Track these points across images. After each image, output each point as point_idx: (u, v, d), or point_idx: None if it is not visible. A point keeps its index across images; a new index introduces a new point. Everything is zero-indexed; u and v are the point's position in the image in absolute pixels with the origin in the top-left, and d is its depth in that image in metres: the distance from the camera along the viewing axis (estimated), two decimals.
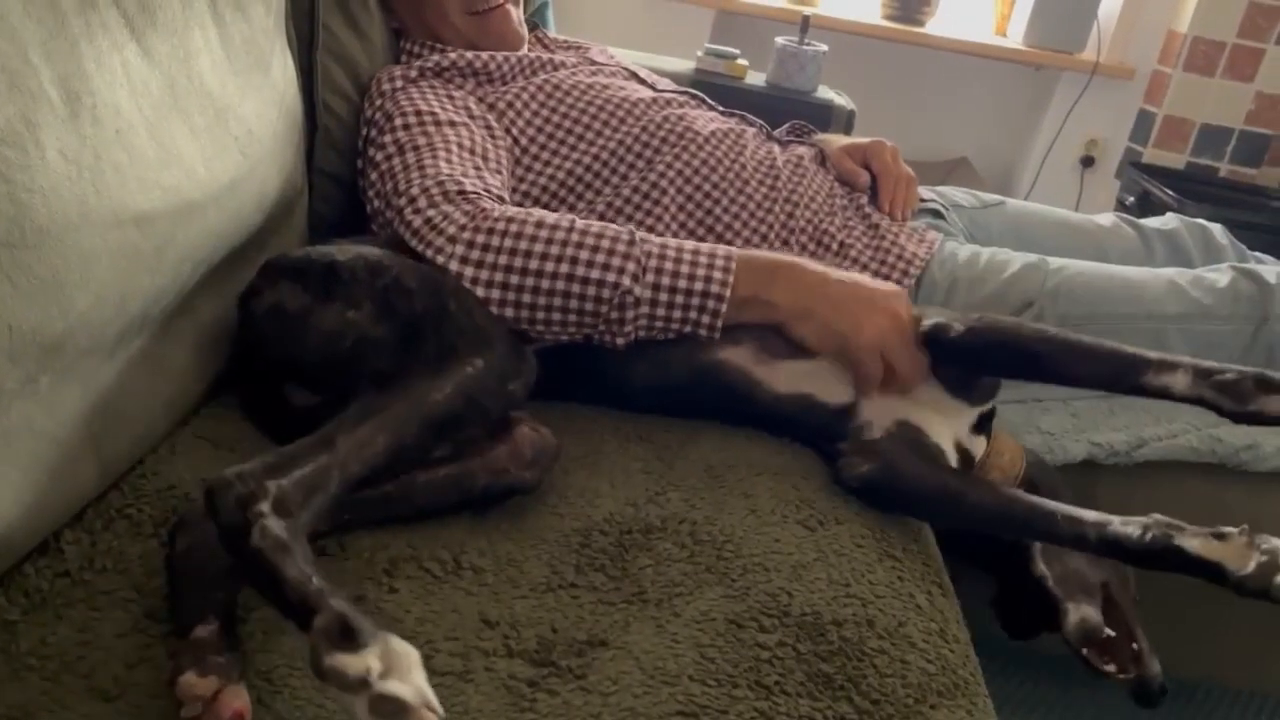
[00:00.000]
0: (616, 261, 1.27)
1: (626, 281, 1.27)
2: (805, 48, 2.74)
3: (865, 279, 1.35)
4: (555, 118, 1.62)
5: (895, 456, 1.26)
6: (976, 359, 1.29)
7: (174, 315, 1.14)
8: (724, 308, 1.29)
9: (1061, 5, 3.77)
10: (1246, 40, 3.72)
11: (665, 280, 1.29)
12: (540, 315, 1.28)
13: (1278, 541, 1.03)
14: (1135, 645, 1.29)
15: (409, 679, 0.72)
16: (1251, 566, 1.02)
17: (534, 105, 1.62)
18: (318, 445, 0.92)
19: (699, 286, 1.29)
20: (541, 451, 1.13)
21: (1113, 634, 1.28)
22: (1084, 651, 1.27)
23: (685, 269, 1.29)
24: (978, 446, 1.36)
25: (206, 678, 0.76)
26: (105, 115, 0.93)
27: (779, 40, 2.77)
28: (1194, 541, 1.05)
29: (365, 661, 0.72)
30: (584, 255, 1.27)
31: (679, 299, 1.29)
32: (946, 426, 1.33)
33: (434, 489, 1.06)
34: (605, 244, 1.28)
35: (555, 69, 1.72)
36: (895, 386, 1.30)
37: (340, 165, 1.57)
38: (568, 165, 1.60)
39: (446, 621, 0.93)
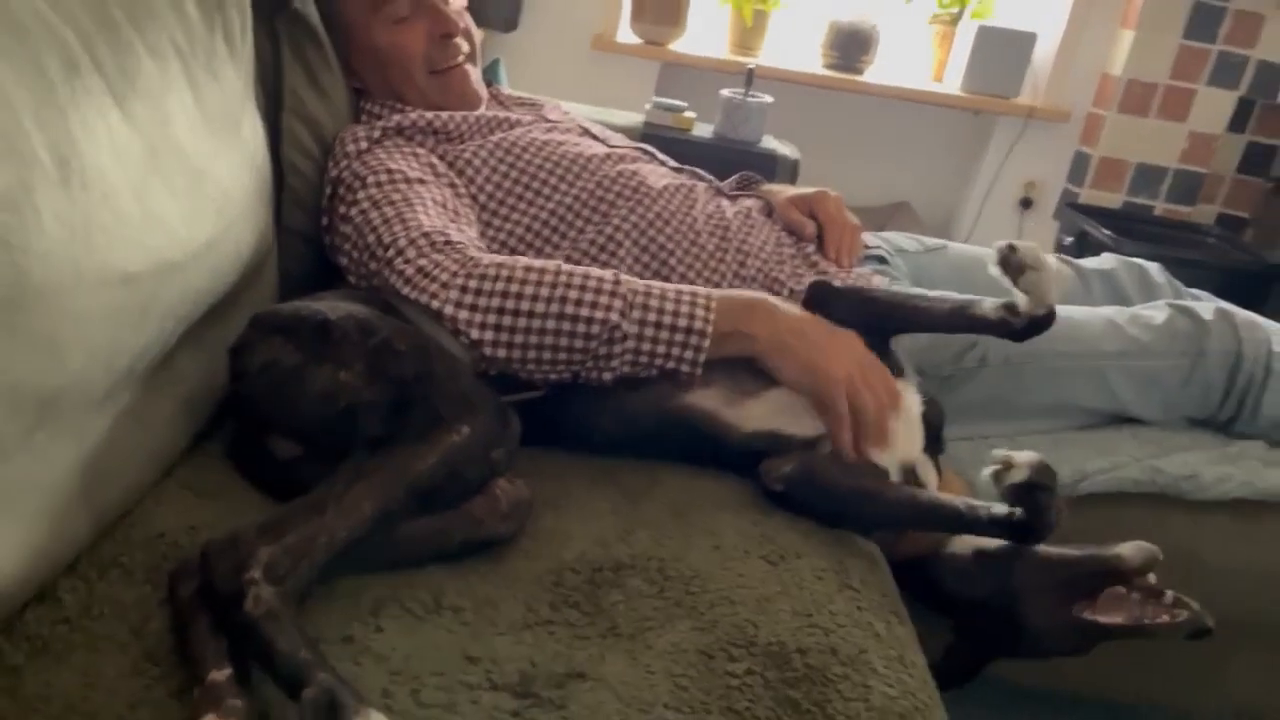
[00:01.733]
0: (604, 300, 1.32)
1: (614, 318, 1.32)
2: (750, 99, 2.81)
3: (825, 322, 1.41)
4: (513, 174, 1.66)
5: (814, 459, 1.33)
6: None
7: (157, 370, 1.17)
8: (707, 343, 1.34)
9: (997, 51, 3.85)
10: (1179, 81, 3.82)
11: (651, 317, 1.33)
12: (532, 354, 1.33)
13: None
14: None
15: None
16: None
17: (492, 162, 1.66)
18: (309, 510, 0.97)
19: (683, 323, 1.34)
20: (517, 504, 1.16)
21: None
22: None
23: (670, 306, 1.34)
24: (929, 475, 1.42)
25: (226, 719, 0.80)
26: (92, 179, 0.97)
27: (724, 92, 2.83)
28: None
29: None
30: (572, 295, 1.32)
31: (664, 334, 1.33)
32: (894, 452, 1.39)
33: (413, 541, 1.09)
34: (592, 283, 1.33)
35: (511, 127, 1.77)
36: (866, 429, 1.35)
37: (306, 223, 1.61)
38: (525, 220, 1.64)
39: (431, 658, 0.97)
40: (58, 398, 0.94)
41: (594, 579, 1.12)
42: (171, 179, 1.13)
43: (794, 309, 1.41)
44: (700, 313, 1.35)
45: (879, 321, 1.44)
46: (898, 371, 1.44)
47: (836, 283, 1.51)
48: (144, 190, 1.06)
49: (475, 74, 1.84)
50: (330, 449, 1.08)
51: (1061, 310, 1.74)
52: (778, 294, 1.67)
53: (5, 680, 0.87)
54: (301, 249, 1.61)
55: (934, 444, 1.45)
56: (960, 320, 1.41)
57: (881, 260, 1.92)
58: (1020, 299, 1.33)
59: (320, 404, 1.13)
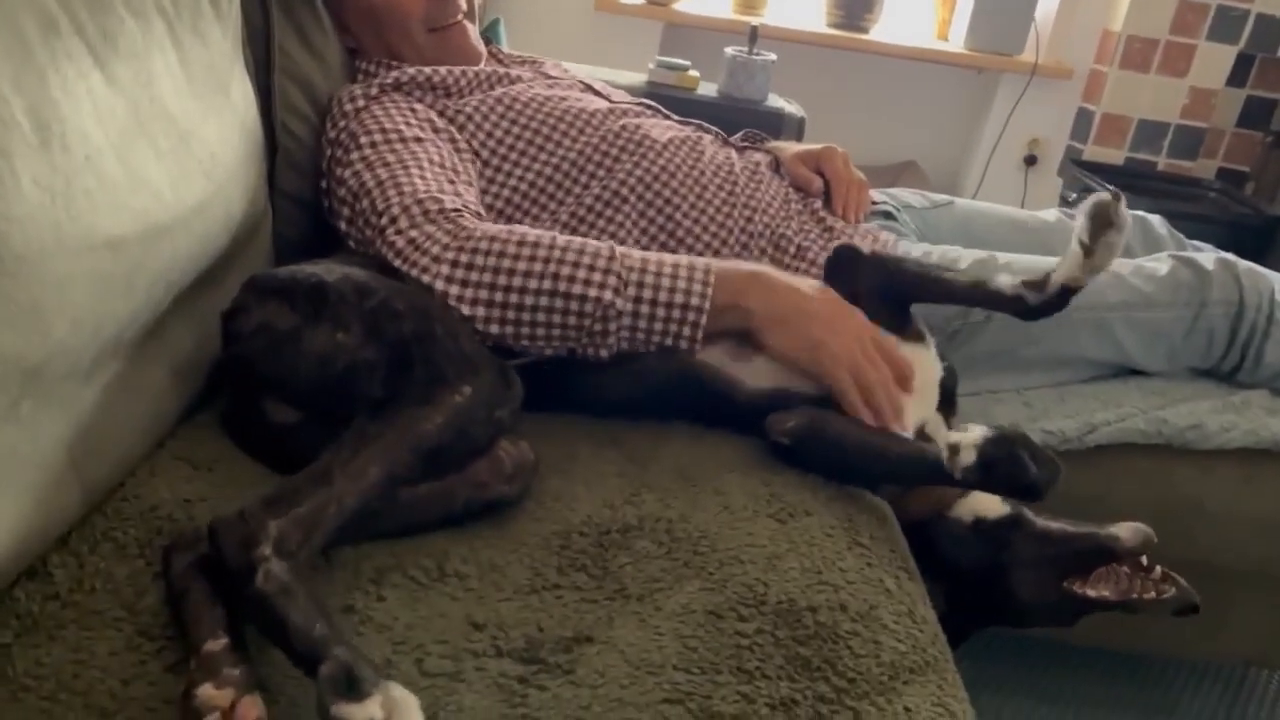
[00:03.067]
0: (598, 277, 1.30)
1: (608, 296, 1.29)
2: (755, 57, 2.78)
3: (831, 296, 1.38)
4: (515, 129, 1.63)
5: (820, 413, 1.31)
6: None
7: (147, 339, 1.14)
8: (704, 319, 1.32)
9: (999, 9, 3.82)
10: (1179, 37, 3.79)
11: (646, 294, 1.31)
12: (525, 330, 1.31)
13: None
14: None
15: None
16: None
17: (493, 118, 1.64)
18: (316, 479, 0.94)
19: (679, 299, 1.31)
20: (521, 466, 1.14)
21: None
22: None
23: (666, 282, 1.32)
24: (939, 433, 1.39)
25: (223, 689, 0.78)
26: (74, 142, 0.95)
27: (729, 51, 2.80)
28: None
29: (369, 711, 0.75)
30: (565, 271, 1.29)
31: (660, 311, 1.31)
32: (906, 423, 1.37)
33: (417, 505, 1.07)
34: (586, 259, 1.30)
35: (512, 82, 1.74)
36: (878, 407, 1.33)
37: (301, 186, 1.58)
38: (529, 177, 1.61)
39: (435, 626, 0.95)
40: (42, 367, 0.92)
41: (601, 541, 1.10)
42: (157, 141, 1.11)
43: (796, 282, 1.38)
44: (697, 287, 1.32)
45: (901, 289, 1.43)
46: (918, 337, 1.42)
47: (863, 248, 1.48)
48: (128, 153, 1.04)
49: (473, 31, 1.82)
50: (328, 412, 1.06)
51: None
52: (785, 250, 1.65)
53: None
54: (296, 213, 1.58)
55: (947, 405, 1.44)
56: (978, 295, 1.39)
57: (889, 216, 1.91)
58: (1063, 266, 1.30)
59: (317, 366, 1.11)
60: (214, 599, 0.88)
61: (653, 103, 1.92)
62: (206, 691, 0.78)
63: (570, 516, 1.14)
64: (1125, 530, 1.30)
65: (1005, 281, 1.35)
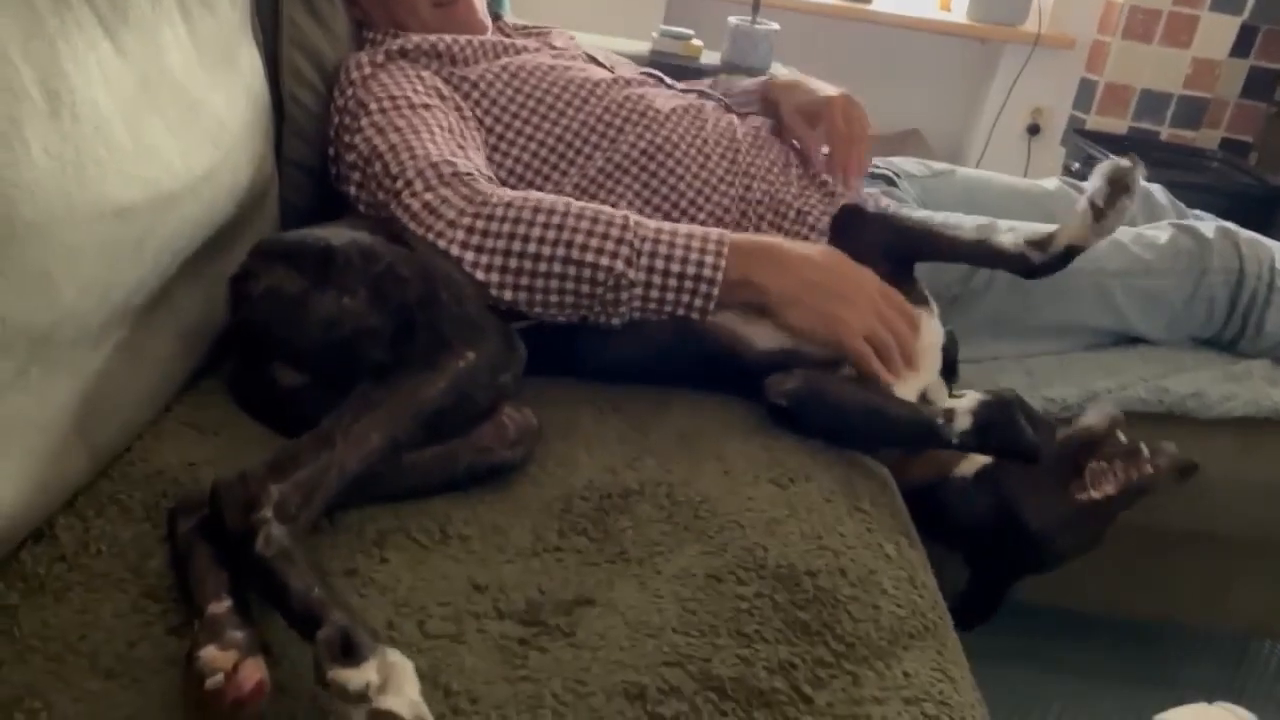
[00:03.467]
0: (610, 246, 1.30)
1: (620, 265, 1.30)
2: (758, 26, 2.78)
3: (842, 261, 1.38)
4: (519, 98, 1.63)
5: (819, 375, 1.32)
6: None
7: (154, 305, 1.15)
8: (716, 291, 1.32)
9: None
10: (1182, 8, 3.78)
11: (659, 264, 1.31)
12: (539, 298, 1.31)
13: None
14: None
15: (404, 693, 0.76)
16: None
17: (498, 85, 1.63)
18: (318, 443, 0.95)
19: (691, 270, 1.32)
20: (524, 431, 1.15)
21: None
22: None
23: (679, 253, 1.32)
24: (940, 396, 1.40)
25: (227, 651, 0.79)
26: (84, 111, 0.95)
27: (732, 20, 2.80)
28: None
29: (365, 676, 0.76)
30: (579, 239, 1.30)
31: (672, 282, 1.31)
32: (913, 382, 1.38)
33: (421, 469, 1.08)
34: (600, 228, 1.31)
35: (517, 53, 1.74)
36: (892, 363, 1.34)
37: (308, 154, 1.58)
38: (532, 146, 1.61)
39: (437, 588, 0.96)
40: (51, 333, 0.93)
41: (602, 505, 1.11)
42: (166, 110, 1.11)
43: (806, 250, 1.38)
44: (709, 259, 1.32)
45: (906, 248, 1.43)
46: (921, 301, 1.43)
47: (868, 207, 1.48)
48: (137, 122, 1.05)
49: (480, 5, 1.81)
50: (334, 376, 1.07)
51: None
52: (784, 215, 1.65)
53: (1, 620, 0.86)
54: (303, 181, 1.59)
55: (949, 371, 1.44)
56: (982, 252, 1.40)
57: (890, 182, 1.91)
58: (1070, 227, 1.31)
59: (323, 330, 1.12)
60: (218, 562, 0.89)
61: (656, 73, 1.91)
62: (210, 653, 0.78)
63: (572, 481, 1.15)
64: (1093, 418, 1.31)
65: (1009, 240, 1.36)
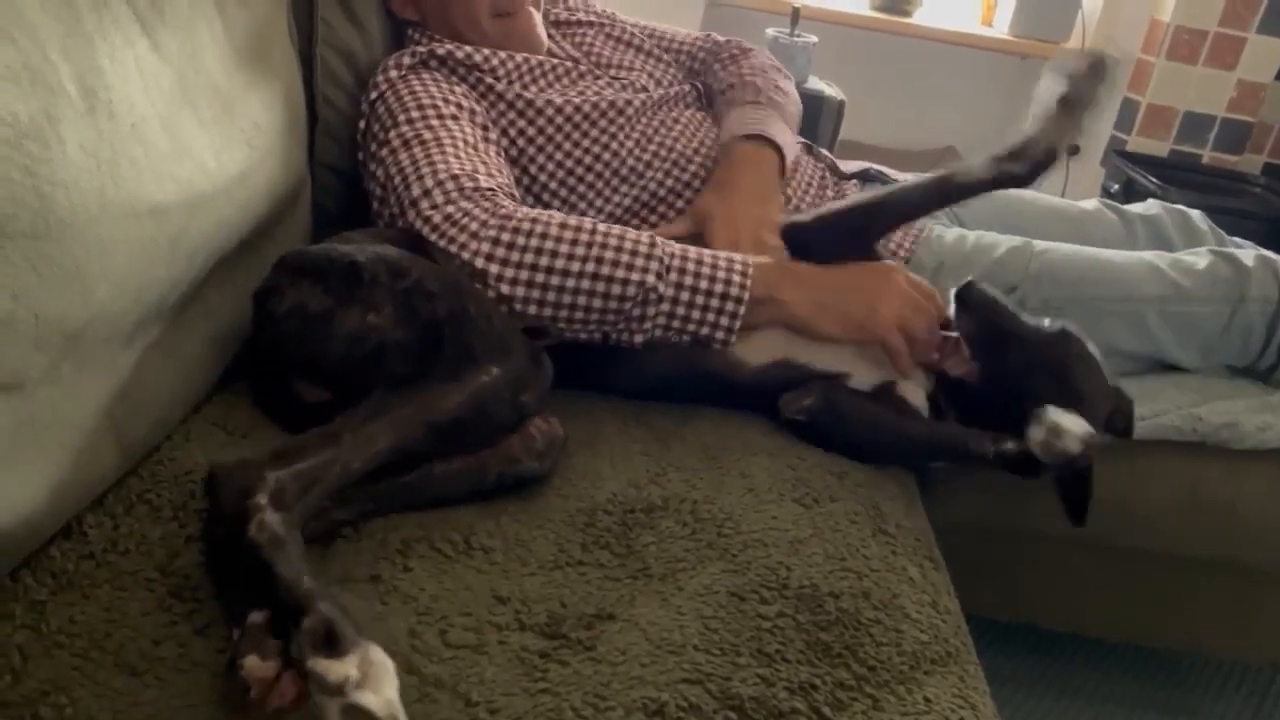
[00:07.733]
0: (640, 261, 1.30)
1: (651, 279, 1.30)
2: (795, 39, 2.77)
3: (859, 265, 1.39)
4: (549, 129, 1.64)
5: (833, 391, 1.33)
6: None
7: (187, 305, 1.16)
8: (742, 310, 1.33)
9: None
10: (1228, 29, 3.73)
11: (688, 280, 1.32)
12: (564, 313, 1.31)
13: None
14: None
15: (381, 691, 0.76)
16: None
17: (529, 114, 1.63)
18: (325, 439, 0.96)
19: (719, 289, 1.32)
20: (551, 442, 1.15)
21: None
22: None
23: (706, 270, 1.33)
24: None
25: (268, 661, 0.79)
26: (121, 110, 0.96)
27: (769, 32, 2.79)
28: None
29: (345, 669, 0.76)
30: (609, 255, 1.30)
31: (699, 299, 1.32)
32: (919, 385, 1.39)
33: (449, 479, 1.08)
34: (628, 244, 1.31)
35: (557, 78, 1.74)
36: (919, 352, 1.36)
37: (340, 157, 1.59)
38: (560, 175, 1.63)
39: (460, 598, 0.96)
40: (84, 330, 0.93)
41: (626, 520, 1.11)
42: (201, 110, 1.12)
43: (817, 268, 1.39)
44: (736, 278, 1.33)
45: (860, 230, 1.44)
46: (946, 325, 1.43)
47: (801, 218, 1.48)
48: (173, 121, 1.06)
49: (538, 18, 1.80)
50: (359, 392, 1.06)
51: (1102, 253, 1.73)
52: None
53: (29, 615, 0.87)
54: (336, 184, 1.59)
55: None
56: (948, 191, 1.41)
57: None
58: (1044, 131, 1.34)
59: (348, 347, 1.11)
60: None
61: (694, 82, 1.91)
62: (252, 662, 0.79)
63: (596, 494, 1.15)
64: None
65: (978, 164, 1.36)
